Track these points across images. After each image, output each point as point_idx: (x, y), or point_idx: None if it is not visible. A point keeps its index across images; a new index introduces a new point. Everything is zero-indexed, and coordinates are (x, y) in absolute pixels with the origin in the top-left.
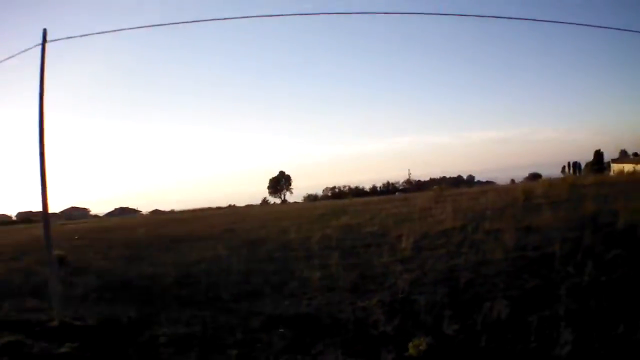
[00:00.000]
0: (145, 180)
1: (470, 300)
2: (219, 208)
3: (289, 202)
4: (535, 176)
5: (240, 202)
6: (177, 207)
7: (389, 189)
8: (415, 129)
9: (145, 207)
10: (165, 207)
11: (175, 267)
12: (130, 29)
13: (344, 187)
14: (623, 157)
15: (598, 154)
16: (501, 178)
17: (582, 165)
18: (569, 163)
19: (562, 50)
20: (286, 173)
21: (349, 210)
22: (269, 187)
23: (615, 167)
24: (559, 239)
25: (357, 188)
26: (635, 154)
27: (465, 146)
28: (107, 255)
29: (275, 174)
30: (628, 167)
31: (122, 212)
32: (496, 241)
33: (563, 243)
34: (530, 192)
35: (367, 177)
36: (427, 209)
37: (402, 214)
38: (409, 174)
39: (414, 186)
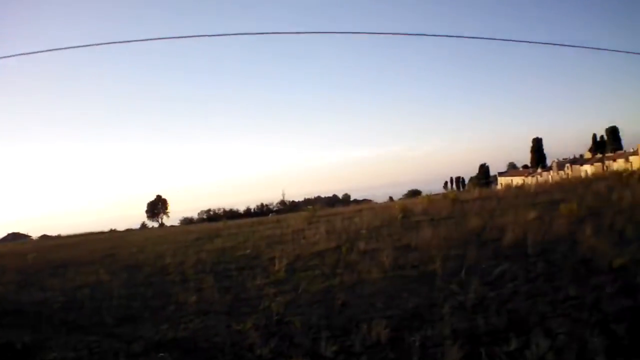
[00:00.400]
0: (35, 204)
1: (348, 322)
2: (101, 232)
3: (167, 226)
4: (414, 193)
5: (121, 226)
6: (64, 231)
7: (263, 210)
8: (290, 148)
9: (35, 232)
10: (53, 231)
11: (62, 292)
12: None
13: (219, 209)
14: (511, 170)
15: (483, 168)
16: (379, 196)
17: (467, 180)
18: (451, 178)
19: (439, 63)
20: (162, 197)
21: (222, 234)
22: (147, 211)
23: (503, 181)
24: (440, 256)
25: (231, 210)
26: (526, 166)
27: (341, 164)
28: (0, 281)
29: (153, 197)
30: (517, 180)
31: (14, 238)
32: (372, 261)
33: (445, 260)
34: (409, 210)
35: (242, 198)
36: (300, 230)
37: (275, 236)
38: (283, 194)
39: (288, 207)
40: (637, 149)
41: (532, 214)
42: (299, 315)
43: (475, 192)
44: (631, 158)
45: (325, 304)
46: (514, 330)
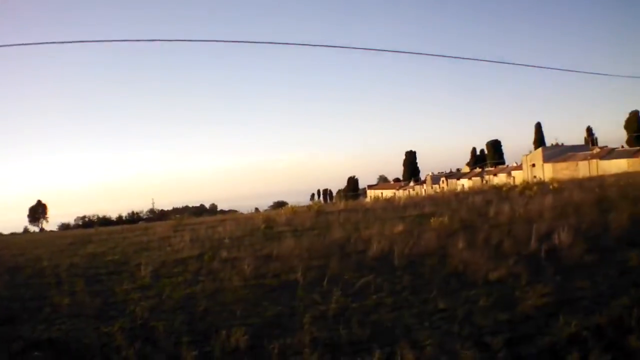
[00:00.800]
0: None
1: (209, 328)
2: None
3: (46, 231)
4: (280, 204)
5: (6, 230)
6: None
7: (134, 218)
8: (163, 157)
9: None
10: None
11: None
12: None
13: (93, 216)
14: (382, 182)
15: (352, 180)
16: (246, 206)
17: (335, 192)
18: (319, 190)
19: (308, 73)
20: (43, 202)
21: (95, 239)
22: (28, 216)
23: (372, 193)
24: (302, 266)
25: (104, 217)
26: (397, 180)
27: (210, 174)
28: None
29: (34, 202)
30: (387, 193)
31: None
32: (234, 269)
33: (307, 271)
34: (272, 220)
35: (116, 205)
36: (166, 238)
37: (143, 243)
38: (153, 203)
39: (157, 215)
40: (521, 164)
41: (399, 227)
42: (163, 320)
43: (341, 204)
44: (514, 172)
45: (187, 310)
46: (377, 341)
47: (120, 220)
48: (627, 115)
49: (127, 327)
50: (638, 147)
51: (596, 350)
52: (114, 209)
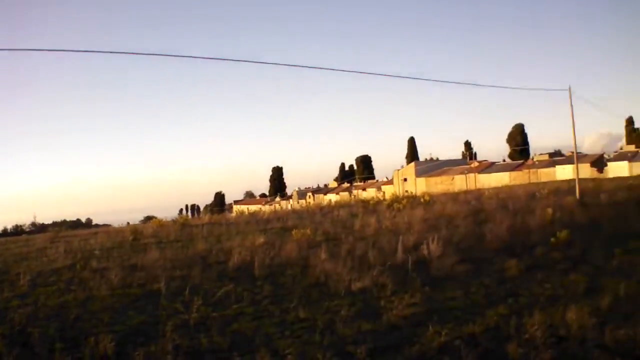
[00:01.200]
0: None
1: (79, 334)
2: None
3: None
4: (150, 218)
5: None
6: None
7: (18, 230)
8: (46, 172)
9: None
10: None
11: None
12: None
13: None
14: (248, 198)
15: (219, 196)
16: (118, 221)
17: (203, 207)
18: (187, 205)
19: (169, 92)
20: None
21: None
22: None
23: (238, 208)
24: (165, 276)
25: None
26: (264, 195)
27: (87, 190)
28: None
29: None
30: (253, 208)
31: None
32: (102, 279)
33: (170, 281)
34: (140, 233)
35: (1, 218)
36: (43, 249)
37: (23, 254)
38: (34, 217)
39: (38, 228)
40: (392, 178)
41: (261, 239)
42: (38, 327)
43: (206, 218)
44: (384, 187)
45: (60, 318)
46: (238, 350)
47: (5, 233)
48: (509, 129)
49: (7, 334)
50: (521, 161)
51: (470, 359)
52: (0, 222)
